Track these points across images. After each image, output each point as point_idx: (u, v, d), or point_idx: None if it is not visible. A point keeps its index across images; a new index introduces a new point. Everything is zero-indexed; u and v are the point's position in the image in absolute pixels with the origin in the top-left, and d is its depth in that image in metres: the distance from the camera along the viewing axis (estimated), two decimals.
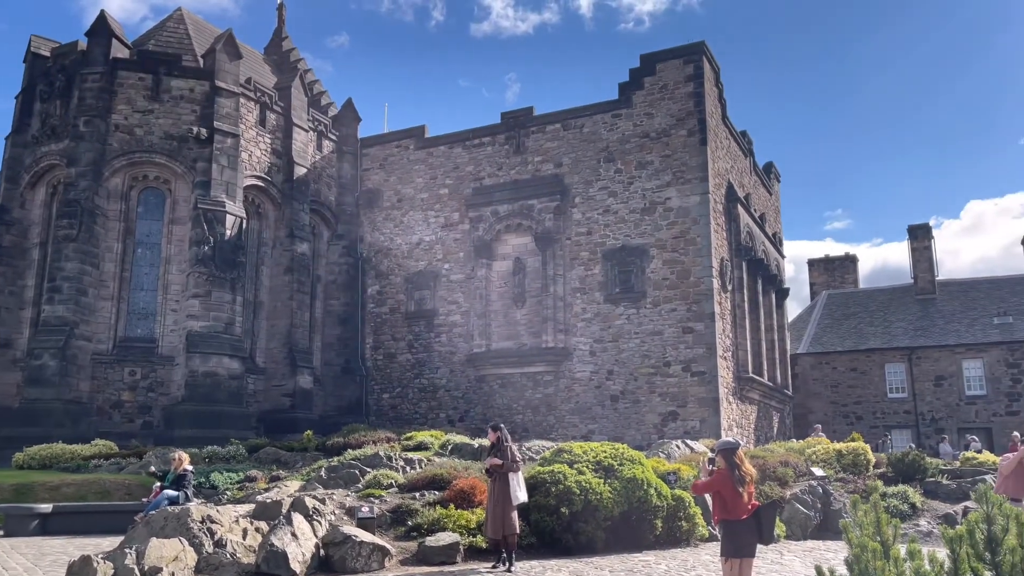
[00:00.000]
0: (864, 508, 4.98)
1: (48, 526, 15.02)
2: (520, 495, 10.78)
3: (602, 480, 12.40)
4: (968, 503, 14.97)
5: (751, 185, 32.87)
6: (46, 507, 15.23)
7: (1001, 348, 34.32)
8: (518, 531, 10.71)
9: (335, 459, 16.62)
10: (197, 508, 10.79)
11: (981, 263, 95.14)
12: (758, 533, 7.16)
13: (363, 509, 11.56)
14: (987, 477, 15.66)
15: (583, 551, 11.81)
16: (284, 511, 10.92)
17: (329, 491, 13.43)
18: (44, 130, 27.61)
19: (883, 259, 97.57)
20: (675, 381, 25.80)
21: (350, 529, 10.66)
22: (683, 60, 27.63)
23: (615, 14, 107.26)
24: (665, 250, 26.66)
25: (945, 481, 16.23)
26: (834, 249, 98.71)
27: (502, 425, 11.63)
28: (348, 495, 13.09)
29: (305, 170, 30.24)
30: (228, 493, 15.93)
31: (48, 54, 28.56)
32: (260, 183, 28.99)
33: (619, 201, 27.59)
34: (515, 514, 10.58)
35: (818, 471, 16.20)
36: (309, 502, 11.35)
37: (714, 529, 13.13)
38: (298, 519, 10.29)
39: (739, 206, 29.08)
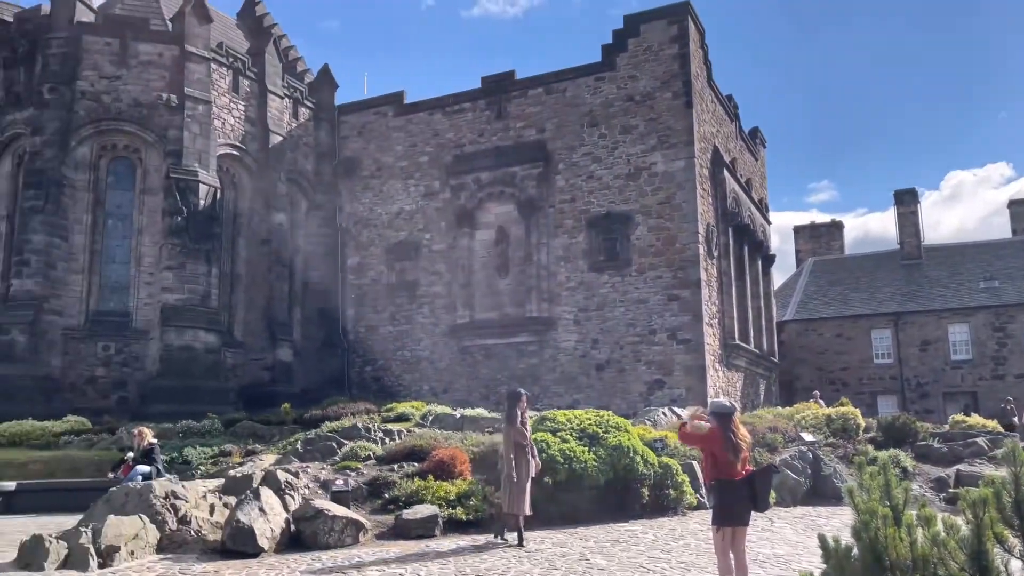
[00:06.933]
0: (871, 471, 4.52)
1: (12, 505, 14.47)
2: None
3: (587, 448, 11.99)
4: (960, 466, 14.72)
5: (737, 150, 32.34)
6: (10, 485, 14.68)
7: (987, 312, 34.20)
8: None
9: (312, 432, 16.13)
10: (161, 484, 10.28)
11: (961, 233, 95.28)
12: (752, 500, 6.71)
13: (337, 482, 11.09)
14: (979, 439, 15.41)
15: (567, 521, 11.42)
16: (254, 485, 10.42)
17: (304, 464, 12.97)
18: (8, 98, 26.56)
19: (867, 229, 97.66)
20: (661, 349, 25.41)
21: (323, 503, 10.18)
22: (668, 21, 26.90)
23: None
24: (650, 216, 26.13)
25: (936, 444, 15.98)
26: (819, 219, 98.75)
27: (523, 392, 10.73)
28: (324, 468, 12.62)
29: (281, 138, 29.39)
30: (201, 468, 15.44)
31: (11, 19, 27.38)
32: (234, 152, 28.14)
33: (603, 167, 26.98)
34: None
35: (808, 436, 15.91)
36: (281, 476, 10.87)
37: (703, 498, 12.78)
38: (266, 493, 9.80)
39: (725, 171, 28.55)
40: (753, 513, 7.28)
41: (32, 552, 8.31)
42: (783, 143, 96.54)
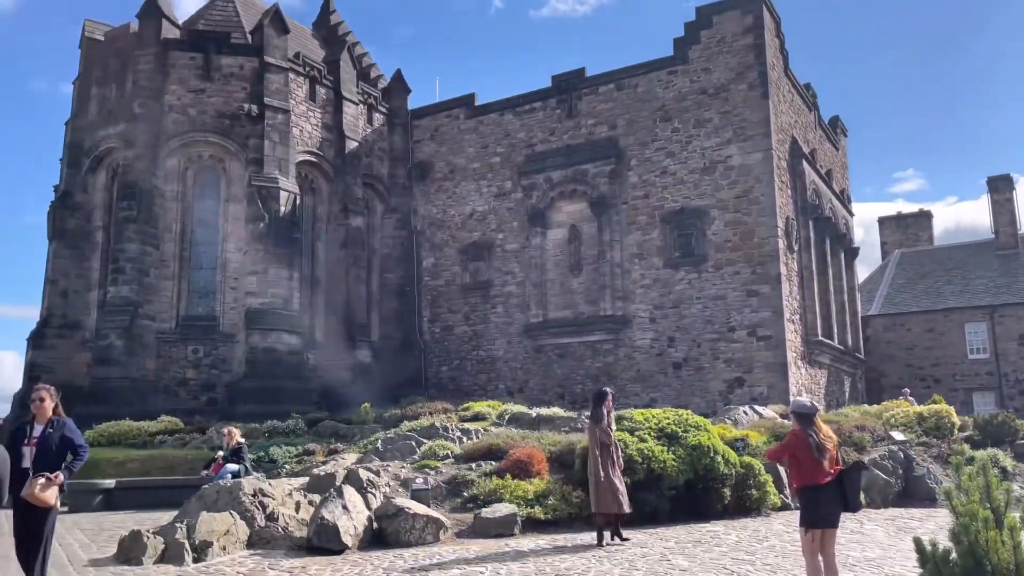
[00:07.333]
0: (969, 471, 4.31)
1: (112, 501, 15.24)
2: None
3: (665, 448, 11.82)
4: None
5: (816, 140, 31.37)
6: (109, 483, 15.46)
7: None
8: None
9: (392, 431, 16.40)
10: (249, 482, 10.63)
11: None
12: (842, 500, 6.47)
13: (417, 481, 11.25)
14: None
15: (646, 521, 11.28)
16: (337, 484, 10.67)
17: (385, 463, 13.20)
18: (101, 114, 27.96)
19: (958, 219, 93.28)
20: (740, 346, 24.88)
21: (404, 501, 10.35)
22: (741, 11, 26.32)
23: None
24: (727, 211, 25.61)
25: None
26: (906, 209, 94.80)
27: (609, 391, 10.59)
28: (404, 467, 12.83)
29: (356, 144, 30.01)
30: (287, 467, 15.89)
31: (102, 38, 28.81)
32: (312, 158, 28.88)
33: (677, 162, 26.59)
34: None
35: (898, 435, 15.30)
36: (363, 474, 11.10)
37: (787, 498, 12.46)
38: (349, 491, 10.01)
39: (804, 162, 27.74)
40: (842, 514, 7.04)
41: (131, 547, 8.72)
42: (865, 131, 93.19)
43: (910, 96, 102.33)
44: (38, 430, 6.66)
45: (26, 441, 6.60)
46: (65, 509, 14.56)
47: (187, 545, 8.73)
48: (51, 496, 6.36)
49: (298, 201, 27.52)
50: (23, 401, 23.76)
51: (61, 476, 6.45)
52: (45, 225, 28.07)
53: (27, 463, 6.49)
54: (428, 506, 10.64)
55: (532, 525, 10.82)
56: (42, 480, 6.31)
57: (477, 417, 17.82)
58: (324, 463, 14.61)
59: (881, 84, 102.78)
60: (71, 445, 6.61)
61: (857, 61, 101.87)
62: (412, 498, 10.76)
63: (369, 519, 9.98)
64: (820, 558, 6.47)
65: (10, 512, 6.57)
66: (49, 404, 6.72)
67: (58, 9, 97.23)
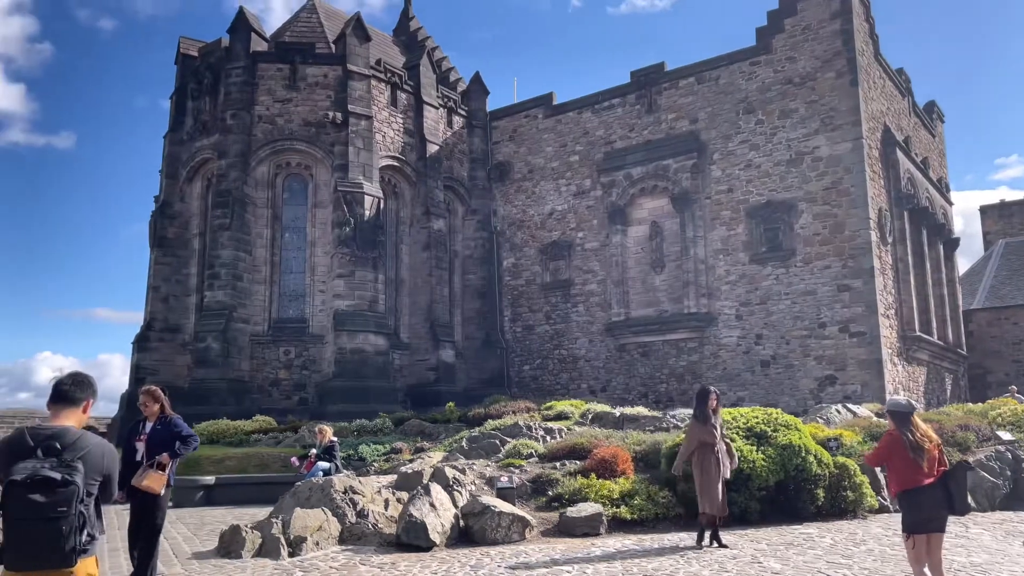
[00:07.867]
0: None
1: (212, 497, 15.92)
2: None
3: (754, 447, 11.53)
4: None
5: (910, 127, 30.01)
6: (209, 479, 16.16)
7: None
8: None
9: (476, 430, 16.56)
10: (340, 479, 10.92)
11: None
12: (948, 503, 6.12)
13: (502, 479, 11.32)
14: None
15: (736, 523, 11.03)
16: (424, 482, 10.85)
17: (470, 461, 13.33)
18: (196, 126, 29.22)
19: None
20: (832, 343, 24.04)
21: (489, 499, 10.42)
22: None
23: None
24: (815, 203, 24.80)
25: None
26: (1010, 197, 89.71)
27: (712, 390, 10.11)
28: (488, 465, 12.92)
29: (437, 147, 30.43)
30: (375, 464, 16.25)
31: (196, 54, 30.10)
32: (395, 163, 29.44)
33: (762, 154, 25.90)
34: None
35: (1005, 435, 14.49)
36: (449, 472, 11.25)
37: (885, 500, 12.00)
38: (436, 489, 10.16)
39: (898, 151, 26.59)
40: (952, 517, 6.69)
41: (231, 541, 9.09)
42: (964, 116, 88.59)
43: (1012, 77, 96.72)
44: (148, 427, 7.22)
45: (138, 437, 7.19)
46: (170, 504, 15.31)
47: (282, 540, 9.04)
48: (155, 483, 6.76)
49: (382, 205, 28.11)
50: (130, 401, 25.14)
51: (165, 455, 6.92)
52: (147, 234, 29.56)
53: (139, 457, 7.09)
54: (513, 504, 10.69)
55: (618, 525, 10.74)
56: (149, 470, 6.76)
57: (560, 416, 17.81)
58: (411, 461, 14.87)
59: (980, 65, 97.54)
60: (178, 437, 7.06)
61: (953, 42, 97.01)
62: (497, 496, 10.83)
63: (456, 517, 10.11)
64: (926, 564, 6.16)
65: (118, 507, 7.03)
66: (153, 405, 7.22)
67: (156, 29, 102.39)
